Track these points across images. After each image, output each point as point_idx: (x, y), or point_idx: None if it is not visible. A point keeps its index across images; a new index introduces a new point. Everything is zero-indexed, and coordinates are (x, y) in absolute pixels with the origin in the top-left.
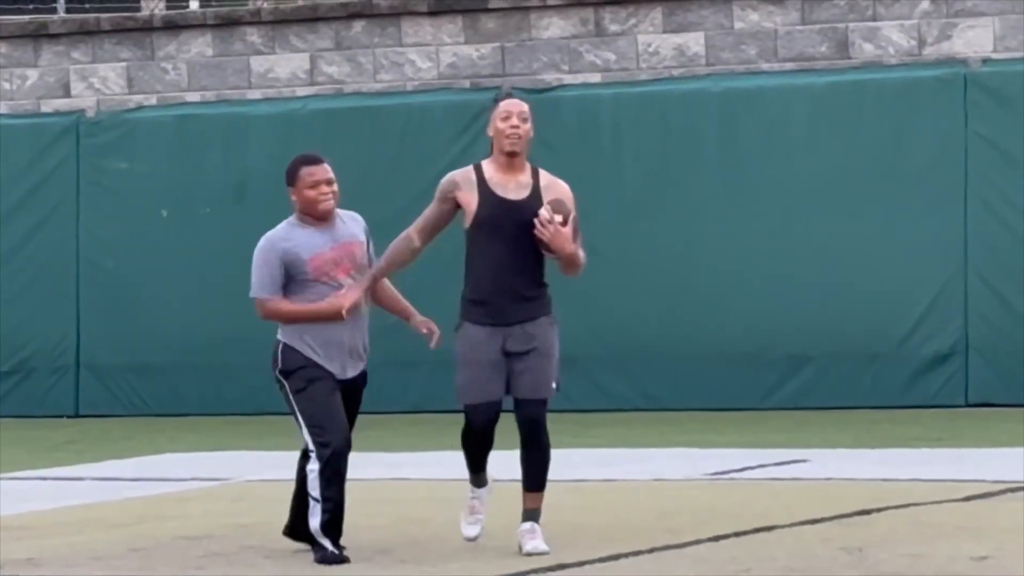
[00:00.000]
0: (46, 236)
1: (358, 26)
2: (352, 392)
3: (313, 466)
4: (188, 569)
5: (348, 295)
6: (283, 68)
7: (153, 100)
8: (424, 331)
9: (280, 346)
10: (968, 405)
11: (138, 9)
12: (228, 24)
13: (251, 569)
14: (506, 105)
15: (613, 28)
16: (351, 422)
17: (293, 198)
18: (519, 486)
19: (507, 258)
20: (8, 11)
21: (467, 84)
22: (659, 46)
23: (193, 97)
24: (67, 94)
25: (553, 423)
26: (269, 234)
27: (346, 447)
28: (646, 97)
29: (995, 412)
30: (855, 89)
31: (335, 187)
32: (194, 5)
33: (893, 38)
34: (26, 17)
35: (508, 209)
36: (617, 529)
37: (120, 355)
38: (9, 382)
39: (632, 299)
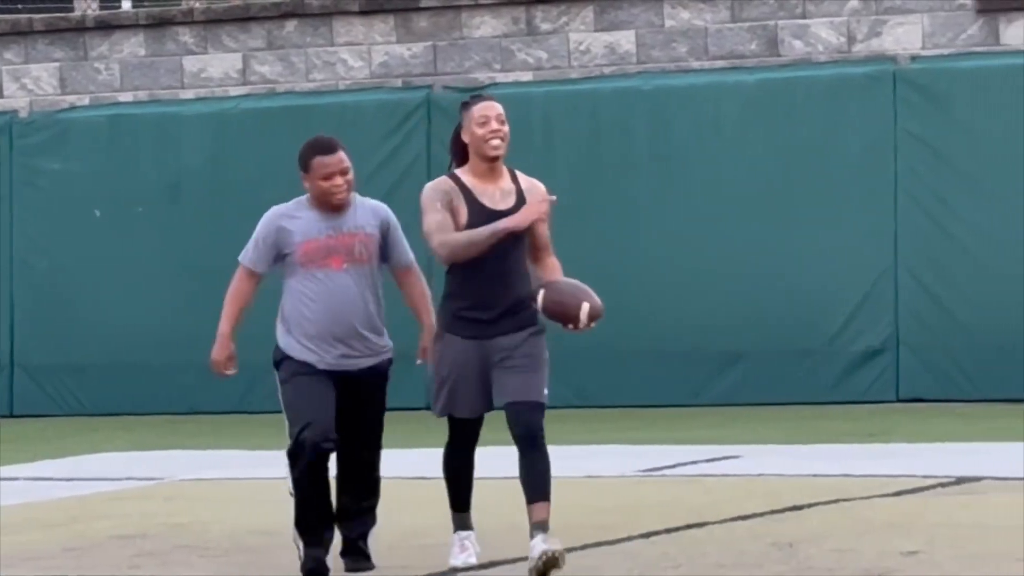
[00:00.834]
0: None
1: (290, 26)
2: (356, 386)
3: (286, 458)
4: (122, 569)
5: None
6: (216, 68)
7: (86, 100)
8: (422, 354)
9: (277, 338)
10: (899, 400)
11: (71, 9)
12: (160, 24)
13: (185, 568)
14: (481, 109)
15: (545, 27)
16: (366, 422)
17: (306, 185)
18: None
19: (496, 269)
20: None
21: (399, 83)
22: (590, 44)
23: (126, 97)
24: (0, 95)
25: (488, 420)
26: (276, 207)
27: (320, 440)
28: (578, 95)
29: (926, 407)
30: (785, 86)
31: (351, 175)
32: (126, 5)
33: (822, 35)
34: None
35: (496, 219)
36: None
37: (54, 355)
38: None
39: None
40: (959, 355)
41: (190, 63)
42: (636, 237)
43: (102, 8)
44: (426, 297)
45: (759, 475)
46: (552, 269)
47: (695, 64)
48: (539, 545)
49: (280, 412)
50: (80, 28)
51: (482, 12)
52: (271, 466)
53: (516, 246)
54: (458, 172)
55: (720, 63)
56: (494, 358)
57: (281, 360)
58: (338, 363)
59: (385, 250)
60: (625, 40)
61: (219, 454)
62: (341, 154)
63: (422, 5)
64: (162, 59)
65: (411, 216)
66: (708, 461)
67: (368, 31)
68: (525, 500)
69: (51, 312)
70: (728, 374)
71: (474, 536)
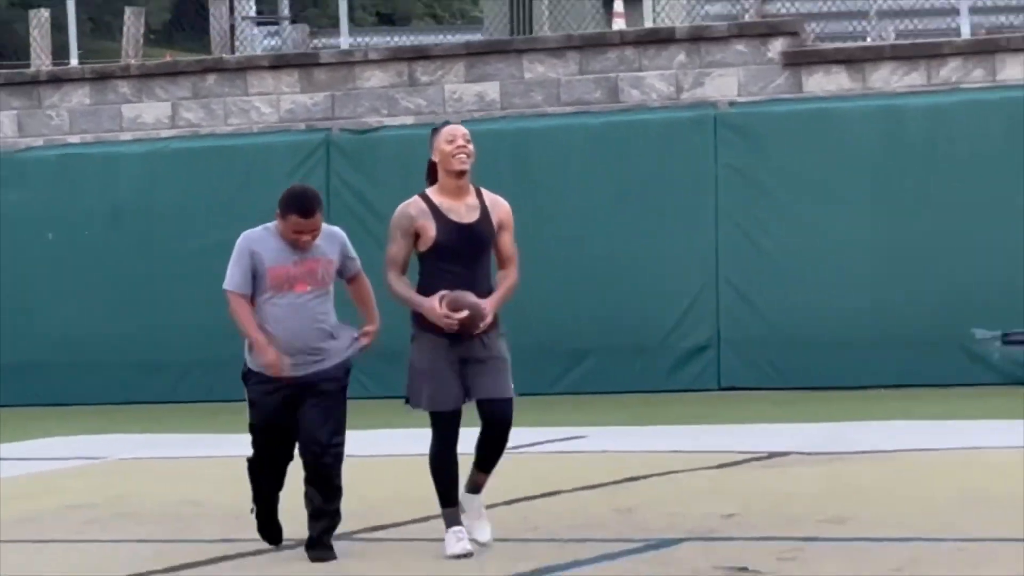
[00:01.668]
0: None
1: (211, 79)
2: (311, 389)
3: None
4: (71, 535)
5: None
6: (149, 114)
7: (40, 142)
8: (363, 339)
9: (245, 354)
10: (720, 389)
11: (27, 66)
12: (103, 78)
13: (124, 534)
14: (449, 130)
15: (424, 79)
16: (324, 417)
17: (279, 222)
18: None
19: (463, 277)
20: None
21: (303, 126)
22: (463, 93)
23: (74, 139)
24: None
25: (360, 407)
26: (247, 232)
27: (266, 454)
28: None
29: (742, 394)
30: (625, 128)
31: (319, 232)
32: (74, 62)
33: (656, 85)
34: None
35: (463, 232)
36: (425, 501)
37: (12, 355)
38: None
39: None
40: (770, 351)
41: (128, 110)
42: None
43: (54, 65)
44: (371, 296)
45: (603, 451)
46: (503, 278)
47: (549, 110)
48: (484, 535)
49: (212, 402)
50: (35, 81)
51: (372, 67)
52: (199, 447)
53: (483, 256)
54: (428, 191)
55: (570, 108)
56: (465, 355)
57: (246, 374)
58: (293, 371)
59: (341, 268)
60: (491, 89)
61: (154, 437)
62: (317, 218)
63: (321, 61)
64: (104, 107)
65: None
66: (561, 440)
67: (277, 83)
68: (476, 468)
69: (11, 318)
70: (578, 368)
71: (464, 531)
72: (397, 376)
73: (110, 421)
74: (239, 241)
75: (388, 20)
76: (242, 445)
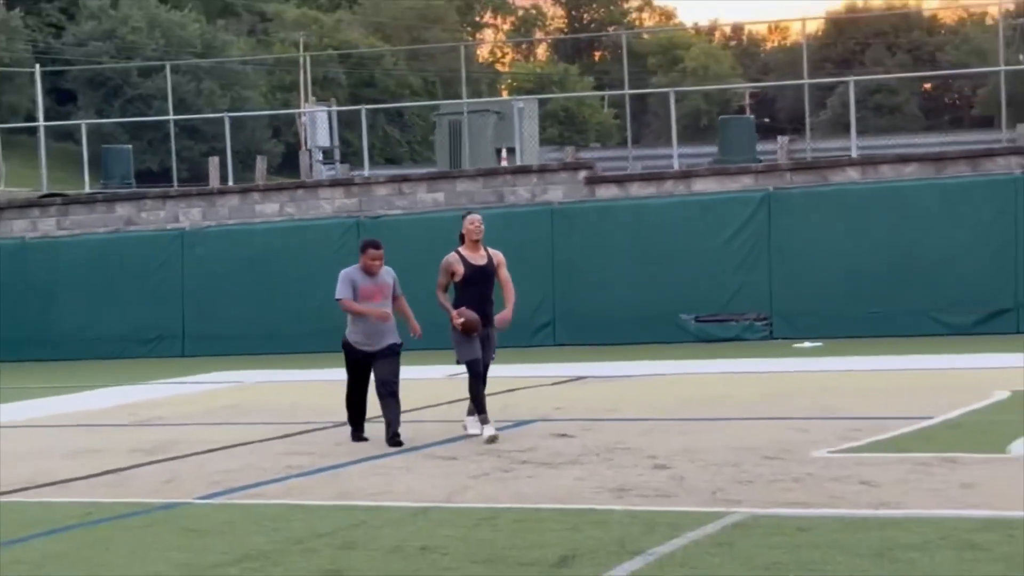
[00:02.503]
0: None
1: (300, 192)
2: (379, 354)
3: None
4: (223, 420)
5: (458, 316)
6: (270, 209)
7: (214, 223)
8: (412, 333)
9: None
10: (555, 345)
11: (207, 183)
12: (245, 191)
13: (252, 418)
14: (471, 216)
15: (407, 191)
16: (389, 371)
17: (360, 260)
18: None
19: (478, 295)
20: None
21: (345, 216)
22: (425, 199)
23: (231, 223)
24: None
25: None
26: (345, 269)
27: (355, 396)
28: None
29: (573, 348)
30: (508, 217)
31: (382, 261)
32: (231, 182)
33: (522, 193)
34: None
35: (478, 271)
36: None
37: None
38: None
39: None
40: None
41: (259, 208)
42: None
43: (220, 184)
44: (408, 310)
45: (517, 376)
46: (507, 297)
47: (470, 206)
48: (488, 430)
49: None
50: (211, 192)
51: (380, 185)
52: (304, 376)
53: (490, 283)
54: (459, 248)
55: (478, 205)
56: (480, 338)
57: (344, 344)
58: (375, 346)
59: (393, 291)
60: (440, 196)
61: (279, 371)
62: (382, 251)
63: (355, 182)
64: (246, 206)
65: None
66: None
67: (332, 193)
68: (475, 410)
69: (202, 309)
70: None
71: (478, 420)
72: (440, 342)
73: (255, 364)
74: (341, 273)
75: (390, 160)
76: (327, 376)
